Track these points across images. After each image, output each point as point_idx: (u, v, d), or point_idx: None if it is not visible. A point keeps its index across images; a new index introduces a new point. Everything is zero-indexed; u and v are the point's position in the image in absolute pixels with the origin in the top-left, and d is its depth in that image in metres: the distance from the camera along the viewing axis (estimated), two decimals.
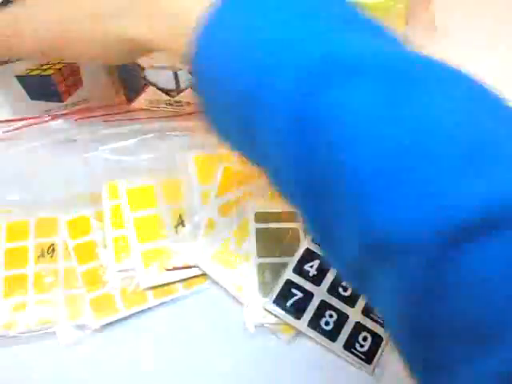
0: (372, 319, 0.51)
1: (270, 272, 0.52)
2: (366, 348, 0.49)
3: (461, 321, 0.26)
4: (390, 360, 0.49)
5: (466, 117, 0.27)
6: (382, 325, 0.50)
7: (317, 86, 0.29)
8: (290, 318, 0.49)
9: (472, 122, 0.27)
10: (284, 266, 0.52)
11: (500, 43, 0.68)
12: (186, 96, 0.61)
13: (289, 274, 0.52)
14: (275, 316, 0.49)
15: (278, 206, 0.55)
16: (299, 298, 0.51)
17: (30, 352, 0.47)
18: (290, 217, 0.55)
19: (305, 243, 0.53)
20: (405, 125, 0.27)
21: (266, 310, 0.49)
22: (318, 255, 0.52)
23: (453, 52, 0.66)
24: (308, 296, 0.51)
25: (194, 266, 0.51)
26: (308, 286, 0.51)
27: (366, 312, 0.50)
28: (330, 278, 0.52)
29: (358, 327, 0.50)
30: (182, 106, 0.62)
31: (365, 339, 0.50)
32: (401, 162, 0.27)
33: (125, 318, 0.49)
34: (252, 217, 0.54)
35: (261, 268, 0.52)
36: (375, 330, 0.50)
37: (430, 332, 0.28)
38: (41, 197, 0.53)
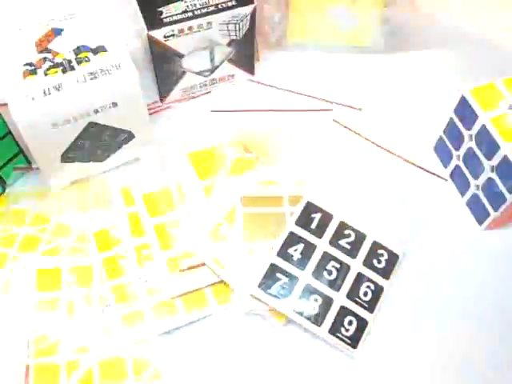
0: (356, 303, 0.50)
1: (256, 257, 0.52)
2: (351, 332, 0.48)
3: None
4: (374, 344, 0.49)
5: None
6: (366, 308, 0.50)
7: None
8: (275, 303, 0.48)
9: None
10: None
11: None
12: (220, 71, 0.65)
13: (273, 258, 0.50)
14: (260, 301, 0.48)
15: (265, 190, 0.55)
16: (284, 283, 0.49)
17: None
18: (276, 201, 0.54)
19: (289, 227, 0.53)
20: None
21: (251, 295, 0.48)
22: (303, 239, 0.52)
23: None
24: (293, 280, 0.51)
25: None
26: (292, 269, 0.50)
27: (351, 296, 0.50)
28: (314, 261, 0.52)
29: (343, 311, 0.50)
30: (216, 82, 0.64)
31: (350, 323, 0.48)
32: None
33: None
34: (239, 201, 0.55)
35: (248, 253, 0.52)
36: (360, 314, 0.50)
37: None
38: None
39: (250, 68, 0.66)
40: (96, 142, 0.56)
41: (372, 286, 0.52)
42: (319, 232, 0.54)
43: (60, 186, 0.58)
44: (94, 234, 0.55)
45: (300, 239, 0.53)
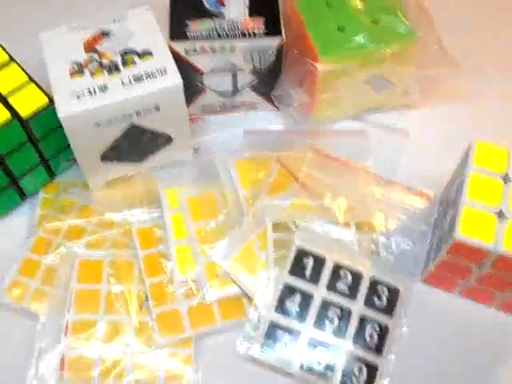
0: (364, 347, 0.51)
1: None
2: (362, 380, 0.50)
3: None
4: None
5: None
6: (374, 351, 0.51)
7: None
8: (280, 363, 0.50)
9: None
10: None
11: None
12: (242, 96, 0.64)
13: (272, 316, 0.52)
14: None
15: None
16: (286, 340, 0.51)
17: None
18: None
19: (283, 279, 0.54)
20: None
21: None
22: (299, 289, 0.53)
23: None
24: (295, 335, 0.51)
25: None
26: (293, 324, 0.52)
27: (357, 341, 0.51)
28: (314, 311, 0.52)
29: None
30: (237, 106, 0.63)
31: (360, 370, 0.50)
32: None
33: None
34: (270, 226, 0.56)
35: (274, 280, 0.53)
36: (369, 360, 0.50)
37: None
38: None
39: (273, 102, 0.65)
40: (135, 143, 0.57)
41: (377, 327, 0.51)
42: (314, 278, 0.53)
43: (96, 183, 0.59)
44: (138, 231, 0.57)
45: (296, 290, 0.53)
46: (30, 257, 0.56)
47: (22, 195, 0.60)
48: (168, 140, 0.58)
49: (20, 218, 0.60)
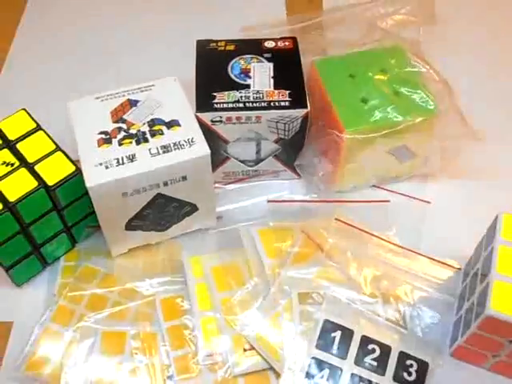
0: None
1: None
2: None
3: None
4: None
5: None
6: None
7: None
8: None
9: None
10: None
11: None
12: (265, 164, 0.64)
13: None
14: None
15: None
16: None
17: None
18: None
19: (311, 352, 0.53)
20: None
21: None
22: (327, 363, 0.52)
23: None
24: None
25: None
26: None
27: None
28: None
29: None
30: (259, 174, 0.63)
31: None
32: None
33: None
34: (296, 297, 0.55)
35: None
36: None
37: None
38: None
39: (296, 170, 0.66)
40: (161, 212, 0.57)
41: None
42: (342, 352, 0.53)
43: (119, 251, 0.59)
44: (161, 301, 0.56)
45: (324, 364, 0.52)
46: (51, 326, 0.55)
47: (44, 262, 0.59)
48: (193, 208, 0.58)
49: (40, 286, 0.59)
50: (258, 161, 0.64)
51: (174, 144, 0.54)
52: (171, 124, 0.55)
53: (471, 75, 0.76)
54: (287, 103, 0.59)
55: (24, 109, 0.58)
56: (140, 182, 0.53)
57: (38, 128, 0.57)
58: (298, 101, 0.60)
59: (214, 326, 0.54)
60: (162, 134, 0.54)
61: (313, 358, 0.52)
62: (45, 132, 0.56)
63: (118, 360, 0.52)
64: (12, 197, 0.52)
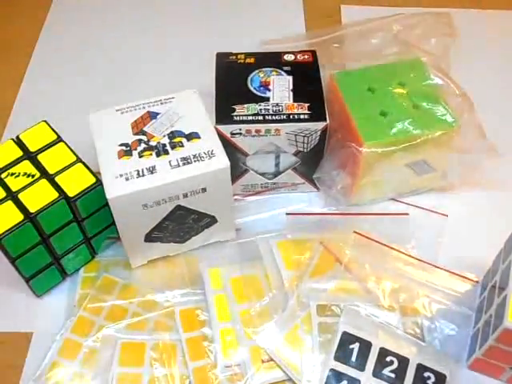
0: None
1: None
2: None
3: None
4: None
5: None
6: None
7: None
8: None
9: None
10: None
11: None
12: (284, 176, 0.64)
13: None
14: None
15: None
16: None
17: None
18: None
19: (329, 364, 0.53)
20: None
21: None
22: (345, 375, 0.52)
23: None
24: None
25: None
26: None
27: None
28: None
29: None
30: (278, 187, 0.63)
31: None
32: None
33: None
34: (314, 309, 0.55)
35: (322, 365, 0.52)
36: None
37: None
38: None
39: (315, 183, 0.66)
40: (180, 224, 0.57)
41: None
42: (361, 364, 0.53)
43: (138, 263, 0.59)
44: (181, 313, 0.56)
45: (342, 376, 0.52)
46: (70, 337, 0.55)
47: (63, 273, 0.60)
48: (212, 221, 0.58)
49: (60, 297, 0.59)
50: (277, 173, 0.64)
51: (194, 156, 0.54)
52: (191, 136, 0.56)
53: (485, 87, 0.76)
54: (306, 116, 0.60)
55: (45, 120, 0.59)
56: (160, 193, 0.53)
57: (59, 140, 0.57)
58: (317, 114, 0.60)
59: (232, 338, 0.54)
60: (182, 146, 0.55)
61: (331, 369, 0.52)
62: (65, 143, 0.57)
63: (138, 370, 0.53)
64: (33, 208, 0.52)
